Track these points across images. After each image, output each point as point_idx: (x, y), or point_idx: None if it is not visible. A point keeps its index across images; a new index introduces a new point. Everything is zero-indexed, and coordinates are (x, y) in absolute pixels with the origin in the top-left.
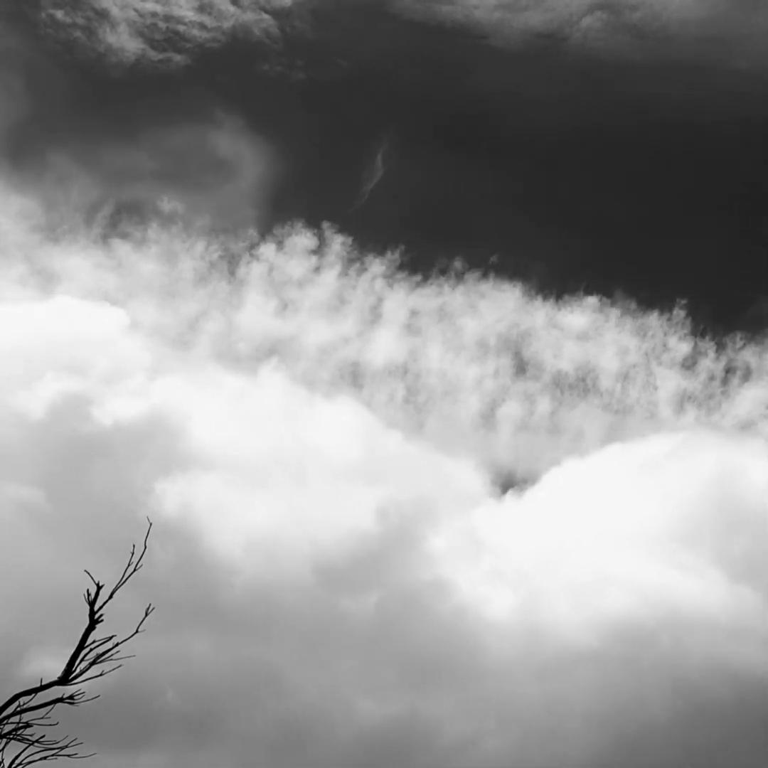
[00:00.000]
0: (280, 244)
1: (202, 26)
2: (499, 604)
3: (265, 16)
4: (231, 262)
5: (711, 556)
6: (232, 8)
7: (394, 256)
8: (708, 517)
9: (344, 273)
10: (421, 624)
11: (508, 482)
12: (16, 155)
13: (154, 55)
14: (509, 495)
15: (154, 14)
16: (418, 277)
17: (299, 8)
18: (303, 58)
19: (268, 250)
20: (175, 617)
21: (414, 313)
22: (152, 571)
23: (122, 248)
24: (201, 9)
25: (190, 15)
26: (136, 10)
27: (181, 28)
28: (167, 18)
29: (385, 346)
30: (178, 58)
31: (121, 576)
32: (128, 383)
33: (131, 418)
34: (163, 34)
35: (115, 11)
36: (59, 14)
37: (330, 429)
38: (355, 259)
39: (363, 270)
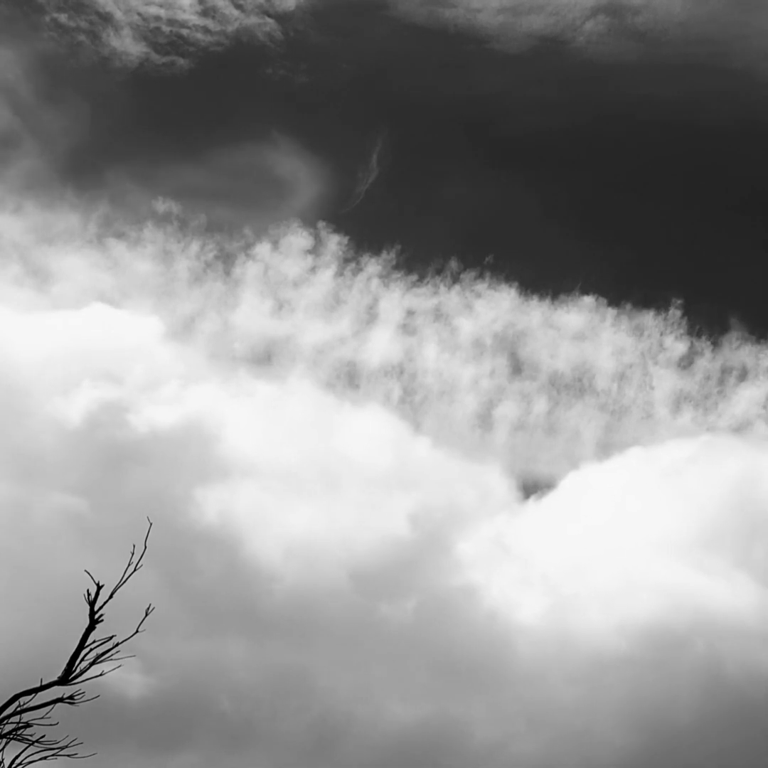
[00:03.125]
0: (275, 244)
1: (206, 30)
2: (529, 609)
3: (269, 20)
4: (226, 262)
5: (736, 561)
6: (235, 12)
7: (389, 255)
8: (731, 522)
9: (340, 273)
10: (453, 629)
11: (528, 487)
12: (75, 173)
13: (157, 58)
14: (531, 500)
15: (157, 18)
16: (414, 277)
17: (302, 12)
18: (306, 61)
19: (263, 249)
20: (216, 623)
21: (410, 313)
22: (195, 578)
23: (117, 248)
24: (204, 13)
25: (193, 19)
26: (139, 14)
27: (184, 31)
28: (171, 22)
29: (380, 346)
30: (181, 61)
31: (167, 582)
32: (162, 390)
33: (167, 426)
34: (166, 38)
35: (118, 15)
36: (63, 18)
37: (359, 435)
38: (350, 259)
39: (359, 270)
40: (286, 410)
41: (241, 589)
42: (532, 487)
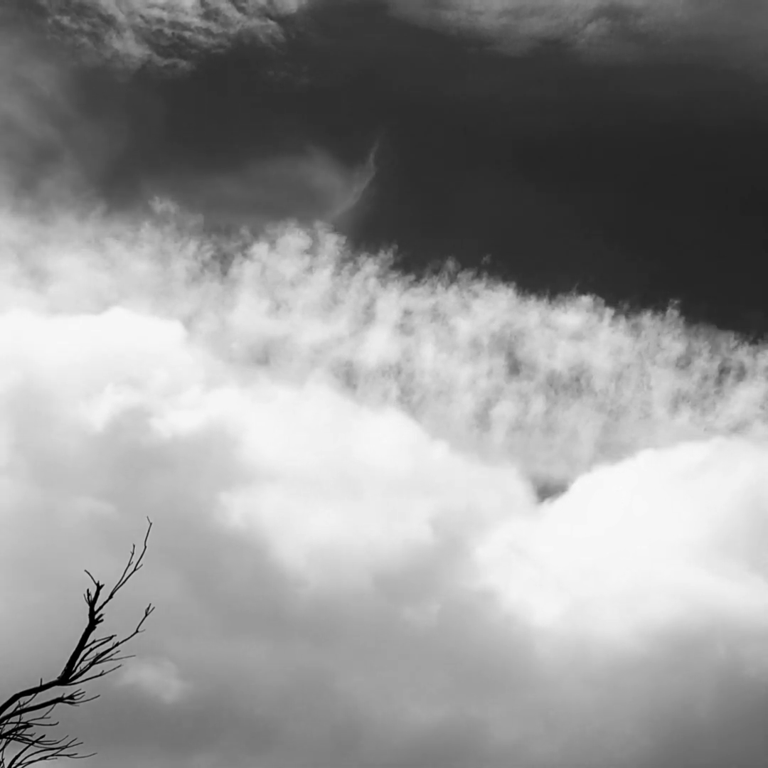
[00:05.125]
0: (272, 244)
1: (208, 32)
2: (546, 612)
3: (271, 23)
4: (223, 262)
5: (751, 563)
6: (237, 14)
7: (387, 255)
8: (744, 525)
9: (337, 273)
10: (472, 632)
11: (541, 490)
12: (111, 185)
13: (159, 61)
14: (545, 503)
15: (159, 20)
16: (411, 277)
17: (304, 14)
18: (308, 63)
19: (260, 249)
20: (241, 626)
21: (407, 312)
22: (221, 582)
23: (115, 248)
24: (207, 15)
25: (195, 21)
26: (141, 17)
27: (187, 34)
28: (173, 24)
29: (378, 345)
30: (183, 64)
31: (194, 585)
32: (184, 395)
33: (190, 430)
34: (168, 40)
35: (120, 17)
36: (65, 20)
37: (377, 439)
38: (348, 259)
39: (356, 270)
40: (304, 414)
41: (267, 593)
42: (544, 490)
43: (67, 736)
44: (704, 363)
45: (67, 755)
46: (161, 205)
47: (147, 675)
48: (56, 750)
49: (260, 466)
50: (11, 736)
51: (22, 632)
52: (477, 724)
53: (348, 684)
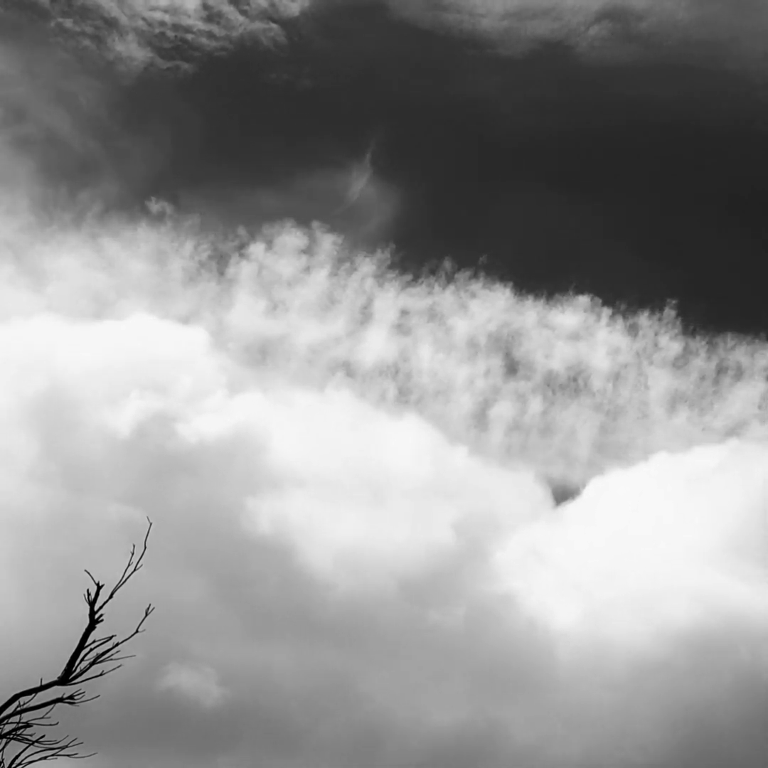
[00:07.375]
0: (269, 244)
1: (211, 35)
2: (566, 615)
3: (273, 25)
4: (220, 262)
5: (766, 565)
6: (240, 17)
7: (384, 255)
8: (760, 527)
9: (334, 272)
10: (494, 635)
11: (556, 493)
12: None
13: (162, 63)
14: (562, 507)
15: (162, 23)
16: (409, 277)
17: (307, 17)
18: (309, 65)
19: (257, 249)
20: (269, 630)
21: (404, 312)
22: (249, 587)
23: (112, 247)
24: (209, 18)
25: (198, 24)
26: (144, 19)
27: (189, 36)
28: (175, 27)
29: (375, 345)
30: (185, 66)
31: (222, 590)
32: (209, 400)
33: (215, 435)
34: (171, 43)
35: (123, 20)
36: (68, 23)
37: (399, 444)
38: (345, 259)
39: (353, 269)
40: (325, 420)
41: (293, 597)
42: (558, 494)
43: (66, 736)
44: (702, 363)
45: (67, 755)
46: (157, 205)
47: (185, 679)
48: (56, 750)
49: (285, 471)
50: (11, 736)
51: (53, 635)
52: (497, 726)
53: (371, 686)
